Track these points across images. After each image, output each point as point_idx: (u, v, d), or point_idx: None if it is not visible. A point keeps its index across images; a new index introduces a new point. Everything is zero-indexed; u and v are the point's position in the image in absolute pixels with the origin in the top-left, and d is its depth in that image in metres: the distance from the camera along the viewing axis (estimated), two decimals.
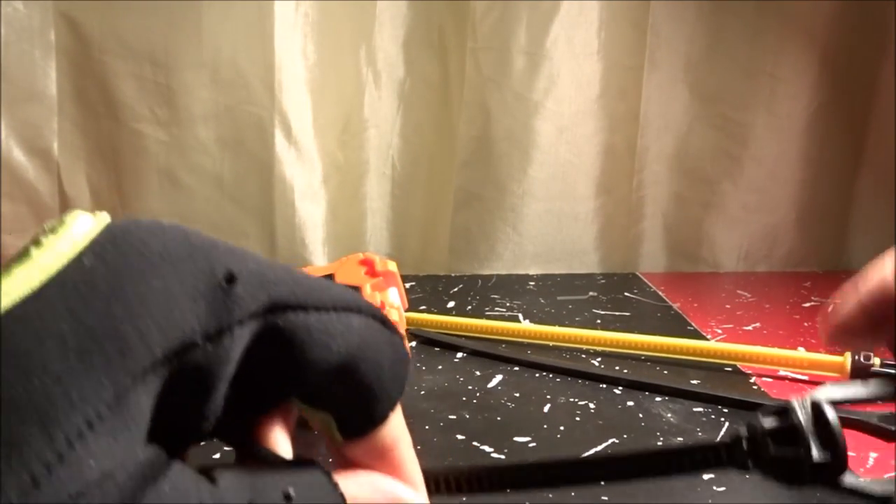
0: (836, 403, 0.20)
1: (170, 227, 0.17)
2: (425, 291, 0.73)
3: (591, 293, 0.72)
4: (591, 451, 0.42)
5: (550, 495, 0.38)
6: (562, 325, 0.61)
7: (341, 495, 0.18)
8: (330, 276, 0.49)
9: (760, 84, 0.81)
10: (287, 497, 0.17)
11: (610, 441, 0.43)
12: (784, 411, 0.20)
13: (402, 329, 0.47)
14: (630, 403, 0.49)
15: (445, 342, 0.58)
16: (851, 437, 0.46)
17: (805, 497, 0.38)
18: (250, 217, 0.76)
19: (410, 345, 0.52)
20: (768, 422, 0.20)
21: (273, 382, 0.18)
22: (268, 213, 0.76)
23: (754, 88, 0.81)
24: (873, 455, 0.42)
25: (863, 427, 0.47)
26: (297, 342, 0.17)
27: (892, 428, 0.45)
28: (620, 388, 0.51)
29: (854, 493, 0.19)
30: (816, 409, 0.19)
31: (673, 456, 0.21)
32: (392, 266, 0.49)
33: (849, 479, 0.19)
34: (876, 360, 0.51)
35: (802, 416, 0.19)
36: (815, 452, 0.19)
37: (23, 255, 0.15)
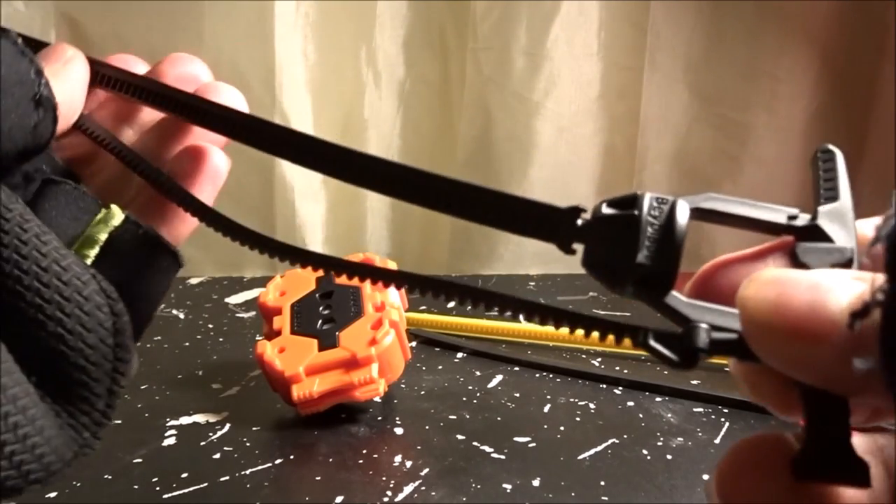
0: (704, 212, 0.17)
1: None
2: None
3: (591, 293, 0.72)
4: (592, 452, 0.42)
5: (550, 495, 0.38)
6: None
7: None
8: (330, 276, 0.49)
9: (760, 84, 0.81)
10: None
11: (610, 441, 0.43)
12: (632, 200, 0.16)
13: (403, 329, 0.47)
14: (630, 403, 0.49)
15: (445, 342, 0.58)
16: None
17: None
18: (250, 217, 0.76)
19: (410, 345, 0.52)
20: (609, 208, 0.16)
21: None
22: (268, 213, 0.76)
23: (754, 89, 0.81)
24: None
25: (862, 427, 0.47)
26: None
27: (893, 428, 0.45)
28: (620, 388, 0.51)
29: (669, 314, 0.16)
30: (671, 208, 0.16)
31: (505, 201, 0.17)
32: (392, 266, 0.49)
33: (673, 300, 0.16)
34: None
35: (648, 208, 0.16)
36: (642, 254, 0.15)
37: None
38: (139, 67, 0.25)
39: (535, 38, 0.77)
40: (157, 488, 0.38)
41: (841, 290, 0.12)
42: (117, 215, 0.22)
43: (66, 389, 0.19)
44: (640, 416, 0.47)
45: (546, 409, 0.48)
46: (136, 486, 0.38)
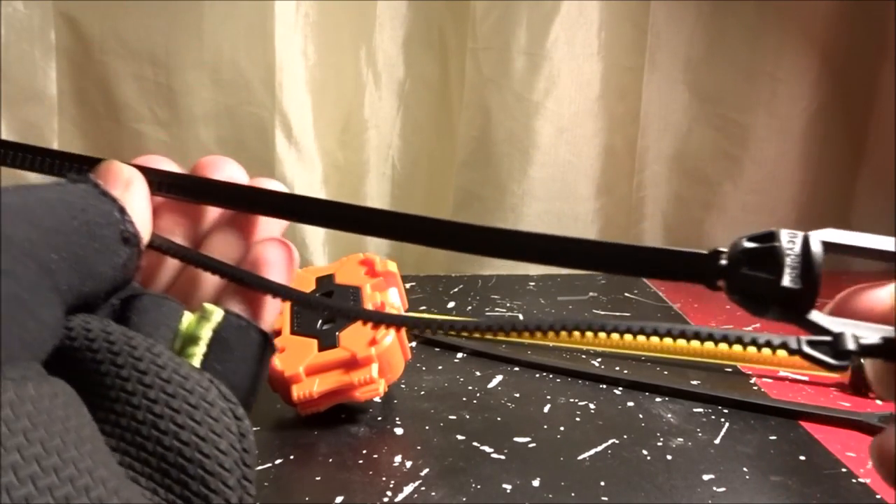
0: (829, 244, 0.19)
1: None
2: (425, 291, 0.73)
3: (591, 293, 0.72)
4: (592, 452, 0.42)
5: (550, 495, 0.38)
6: None
7: None
8: (330, 276, 0.49)
9: (760, 85, 0.81)
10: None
11: (610, 441, 0.43)
12: (770, 236, 0.19)
13: (403, 330, 0.47)
14: (630, 404, 0.49)
15: (445, 342, 0.58)
16: (852, 438, 0.46)
17: (806, 497, 0.38)
18: None
19: (410, 345, 0.52)
20: (749, 242, 0.19)
21: None
22: None
23: (754, 89, 0.81)
24: None
25: (863, 427, 0.47)
26: None
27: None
28: (620, 388, 0.51)
29: (814, 329, 0.18)
30: (804, 241, 0.18)
31: (650, 254, 0.20)
32: (392, 266, 0.49)
33: (815, 316, 0.18)
34: None
35: (785, 241, 0.18)
36: (787, 278, 0.18)
37: None
38: (164, 164, 0.25)
39: (534, 38, 0.77)
40: None
41: None
42: (216, 311, 0.23)
43: (201, 498, 0.19)
44: (640, 416, 0.47)
45: (546, 409, 0.48)
46: None
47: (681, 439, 0.44)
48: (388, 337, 0.44)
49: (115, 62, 0.71)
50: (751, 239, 0.19)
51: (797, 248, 0.18)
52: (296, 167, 0.75)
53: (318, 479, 0.39)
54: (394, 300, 0.48)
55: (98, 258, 0.19)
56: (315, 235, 0.78)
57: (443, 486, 0.38)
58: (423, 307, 0.67)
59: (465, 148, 0.79)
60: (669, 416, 0.47)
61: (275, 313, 0.24)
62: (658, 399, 0.49)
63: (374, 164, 0.82)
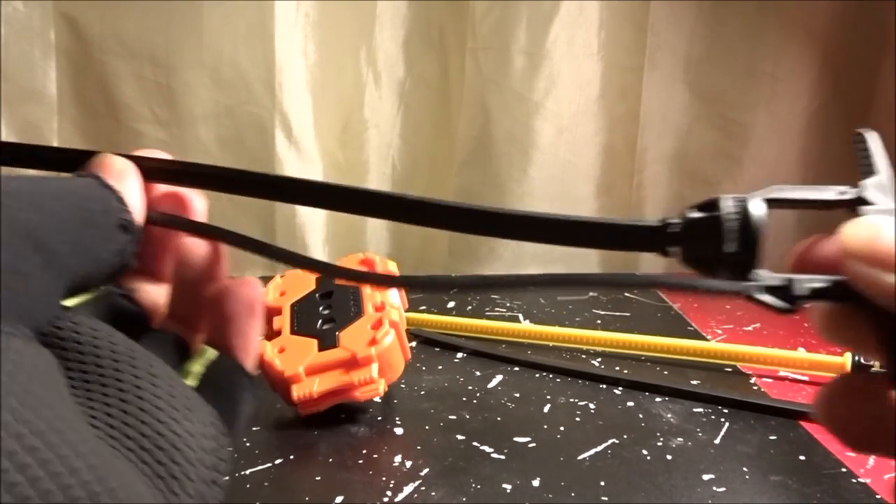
0: (774, 201, 0.20)
1: None
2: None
3: (591, 293, 0.72)
4: (592, 452, 0.42)
5: (550, 495, 0.38)
6: (562, 325, 0.61)
7: None
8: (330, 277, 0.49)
9: (760, 84, 0.81)
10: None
11: (610, 441, 0.43)
12: (712, 204, 0.20)
13: (403, 329, 0.47)
14: (630, 403, 0.49)
15: (445, 342, 0.58)
16: None
17: (806, 497, 0.38)
18: (250, 217, 0.76)
19: (410, 345, 0.52)
20: (694, 212, 0.20)
21: None
22: (268, 213, 0.76)
23: (754, 88, 0.81)
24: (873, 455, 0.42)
25: None
26: None
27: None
28: (620, 388, 0.51)
29: (758, 297, 0.19)
30: (745, 203, 0.19)
31: (605, 229, 0.21)
32: (392, 266, 0.49)
33: (761, 274, 0.19)
34: (876, 361, 0.51)
35: (727, 207, 0.19)
36: (728, 243, 0.19)
37: None
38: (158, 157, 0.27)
39: (534, 37, 0.77)
40: None
41: None
42: (210, 351, 0.24)
43: (174, 482, 0.20)
44: (640, 416, 0.47)
45: (546, 409, 0.48)
46: None
47: (681, 439, 0.44)
48: (388, 337, 0.44)
49: (115, 62, 0.71)
50: (696, 208, 0.20)
51: (738, 211, 0.19)
52: (296, 167, 0.75)
53: (318, 479, 0.39)
54: (394, 300, 0.48)
55: (97, 243, 0.21)
56: (315, 235, 0.78)
57: (443, 486, 0.38)
58: (423, 307, 0.67)
59: (465, 147, 0.79)
60: (669, 415, 0.47)
61: (255, 355, 0.26)
62: (658, 399, 0.49)
63: (374, 164, 0.81)
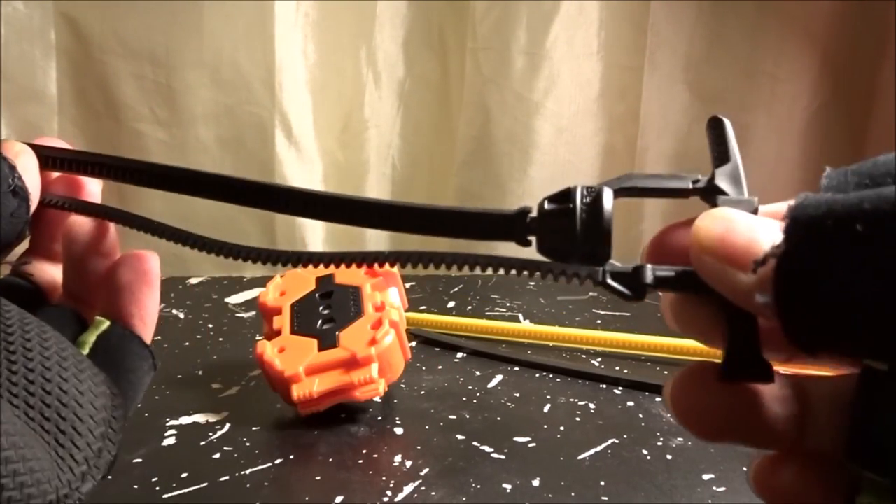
0: (627, 190, 0.20)
1: None
2: (425, 291, 0.73)
3: (591, 293, 0.72)
4: (592, 452, 0.42)
5: (550, 495, 0.38)
6: (562, 325, 0.61)
7: None
8: (330, 276, 0.49)
9: (760, 84, 0.81)
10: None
11: (610, 441, 0.43)
12: (565, 195, 0.20)
13: (403, 329, 0.47)
14: (630, 403, 0.49)
15: (445, 342, 0.58)
16: None
17: None
18: (250, 217, 0.76)
19: (410, 345, 0.52)
20: (549, 203, 0.20)
21: None
22: (268, 213, 0.76)
23: (754, 89, 0.81)
24: None
25: None
26: None
27: None
28: (620, 388, 0.51)
29: (606, 282, 0.19)
30: (596, 194, 0.19)
31: (463, 218, 0.21)
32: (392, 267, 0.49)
33: (610, 266, 0.19)
34: None
35: (579, 197, 0.19)
36: (579, 234, 0.19)
37: None
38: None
39: (534, 38, 0.77)
40: (157, 488, 0.38)
41: (766, 237, 0.16)
42: (104, 322, 0.26)
43: (62, 435, 0.21)
44: (640, 416, 0.47)
45: (546, 409, 0.48)
46: (135, 486, 0.38)
47: (681, 439, 0.44)
48: (388, 337, 0.44)
49: (115, 62, 0.71)
50: (551, 199, 0.20)
51: (589, 203, 0.19)
52: (296, 167, 0.75)
53: (318, 478, 0.39)
54: (394, 300, 0.48)
55: None
56: (315, 234, 0.78)
57: (443, 486, 0.38)
58: (423, 307, 0.67)
59: (465, 147, 0.79)
60: (669, 415, 0.47)
61: (153, 327, 0.27)
62: (658, 399, 0.49)
63: (374, 164, 0.82)
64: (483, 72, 0.77)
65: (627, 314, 0.67)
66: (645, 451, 0.42)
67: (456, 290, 0.74)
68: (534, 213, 0.20)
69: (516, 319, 0.65)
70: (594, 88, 0.79)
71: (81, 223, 0.27)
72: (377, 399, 0.47)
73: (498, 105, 0.78)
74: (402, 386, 0.51)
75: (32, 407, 0.20)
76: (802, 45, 0.81)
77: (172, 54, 0.71)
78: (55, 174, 0.27)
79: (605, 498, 0.38)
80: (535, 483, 0.39)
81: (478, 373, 0.53)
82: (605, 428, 0.45)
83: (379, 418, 0.46)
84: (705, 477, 0.40)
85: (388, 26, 0.78)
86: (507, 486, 0.38)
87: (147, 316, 0.27)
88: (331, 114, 0.77)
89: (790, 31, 0.80)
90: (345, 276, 0.49)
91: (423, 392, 0.50)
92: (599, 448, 0.43)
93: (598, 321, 0.65)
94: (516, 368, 0.54)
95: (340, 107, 0.78)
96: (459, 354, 0.57)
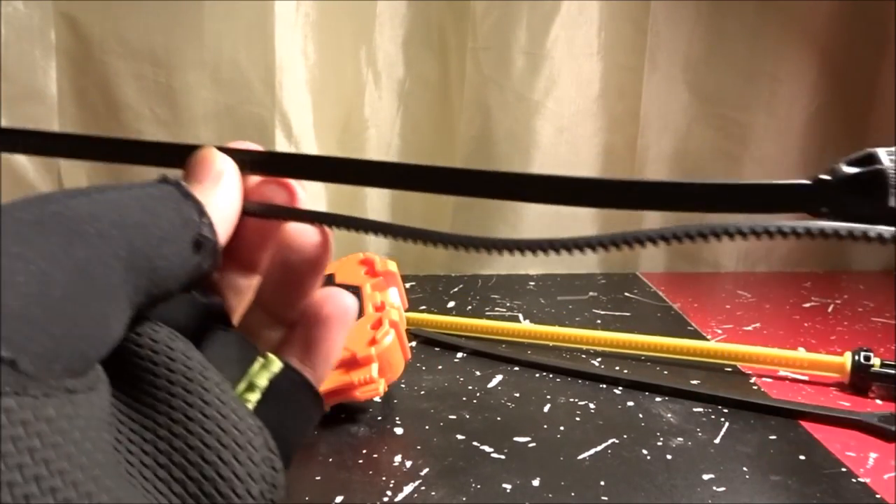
0: None
1: None
2: (425, 291, 0.73)
3: (591, 293, 0.72)
4: (592, 452, 0.42)
5: (550, 495, 0.38)
6: (562, 325, 0.61)
7: None
8: (330, 276, 0.49)
9: (760, 84, 0.81)
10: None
11: (610, 441, 0.43)
12: (869, 157, 0.19)
13: (403, 329, 0.47)
14: (630, 403, 0.49)
15: (445, 342, 0.58)
16: (852, 438, 0.46)
17: (806, 497, 0.38)
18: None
19: (410, 345, 0.52)
20: (850, 167, 0.19)
21: None
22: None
23: (754, 89, 0.81)
24: (873, 455, 0.43)
25: (863, 427, 0.47)
26: None
27: (893, 428, 0.45)
28: (620, 388, 0.51)
29: None
30: None
31: (750, 189, 0.20)
32: (392, 266, 0.49)
33: None
34: (876, 361, 0.51)
35: (887, 161, 0.19)
36: (893, 199, 0.18)
37: None
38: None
39: (535, 37, 0.77)
40: None
41: None
42: (276, 362, 0.22)
43: None
44: (640, 416, 0.47)
45: (546, 409, 0.48)
46: None
47: (681, 439, 0.44)
48: (388, 336, 0.44)
49: (115, 62, 0.71)
50: (850, 163, 0.19)
51: None
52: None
53: (318, 478, 0.39)
54: (394, 300, 0.48)
55: (169, 260, 0.19)
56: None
57: (443, 485, 0.38)
58: (423, 307, 0.67)
59: (465, 148, 0.79)
60: (669, 415, 0.47)
61: (328, 371, 0.24)
62: (658, 399, 0.49)
63: None
64: (483, 72, 0.77)
65: (627, 314, 0.67)
66: (645, 451, 0.42)
67: (456, 289, 0.74)
68: (831, 179, 0.20)
69: (516, 319, 0.65)
70: (594, 88, 0.79)
71: (305, 231, 0.24)
72: (377, 399, 0.47)
73: (498, 105, 0.78)
74: (402, 386, 0.51)
75: (189, 480, 0.18)
76: (802, 46, 0.81)
77: (172, 54, 0.71)
78: (255, 178, 0.24)
79: (605, 498, 0.38)
80: (535, 483, 0.39)
81: (478, 373, 0.53)
82: (605, 428, 0.45)
83: (379, 418, 0.46)
84: (705, 477, 0.40)
85: (388, 26, 0.78)
86: (507, 486, 0.38)
87: (331, 360, 0.23)
88: (331, 114, 0.77)
89: (790, 31, 0.80)
90: (345, 275, 0.49)
91: (423, 392, 0.50)
92: (599, 448, 0.43)
93: (598, 321, 0.65)
94: (516, 368, 0.54)
95: (340, 107, 0.78)
96: (459, 354, 0.57)
